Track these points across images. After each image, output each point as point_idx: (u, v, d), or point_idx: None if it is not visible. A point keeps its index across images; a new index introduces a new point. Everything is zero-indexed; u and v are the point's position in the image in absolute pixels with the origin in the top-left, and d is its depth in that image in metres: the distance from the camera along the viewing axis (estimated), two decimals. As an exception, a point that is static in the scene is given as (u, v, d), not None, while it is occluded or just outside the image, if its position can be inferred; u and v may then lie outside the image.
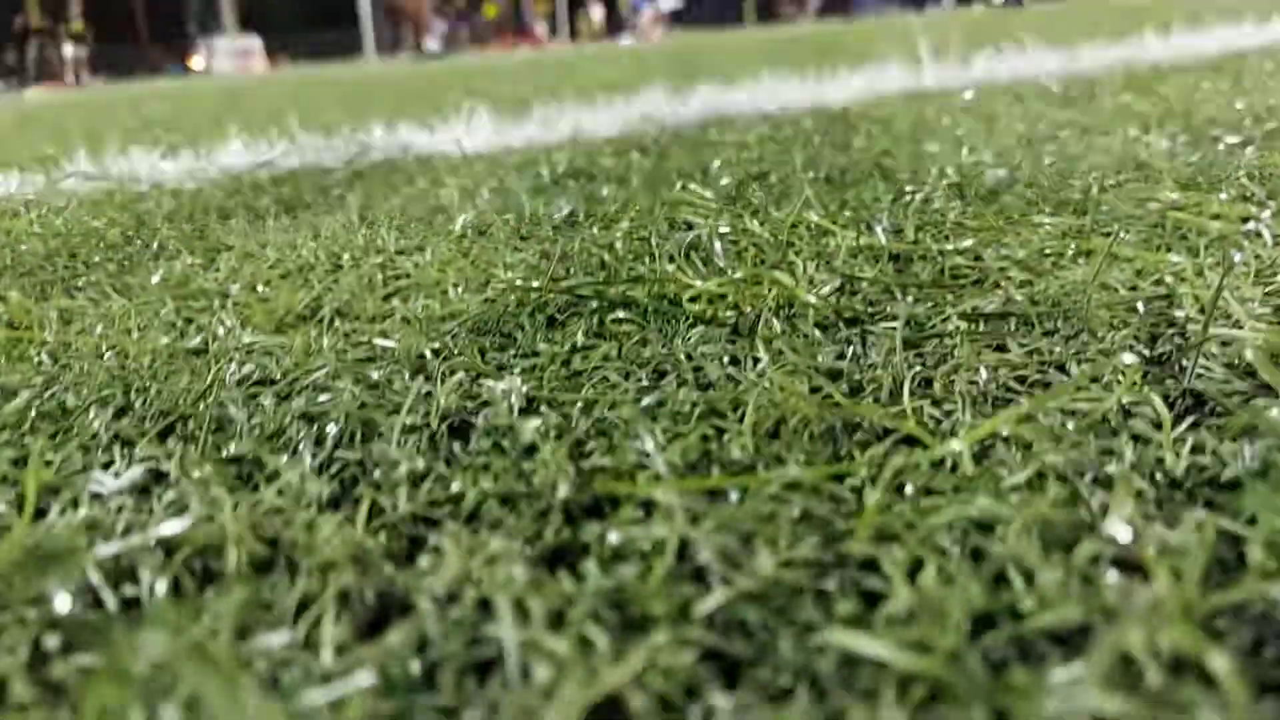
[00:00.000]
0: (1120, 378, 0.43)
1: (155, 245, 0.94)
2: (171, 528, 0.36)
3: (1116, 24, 3.37)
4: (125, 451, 0.46)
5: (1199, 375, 0.44)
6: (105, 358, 0.61)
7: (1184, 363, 0.45)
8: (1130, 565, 0.29)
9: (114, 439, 0.48)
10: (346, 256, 0.82)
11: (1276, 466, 0.35)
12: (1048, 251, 0.66)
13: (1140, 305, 0.53)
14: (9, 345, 0.66)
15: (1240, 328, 0.48)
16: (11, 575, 0.34)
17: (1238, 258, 0.57)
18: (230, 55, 14.27)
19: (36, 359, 0.62)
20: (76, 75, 12.96)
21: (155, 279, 0.81)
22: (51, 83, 11.37)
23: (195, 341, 0.63)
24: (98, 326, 0.68)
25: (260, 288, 0.75)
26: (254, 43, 14.43)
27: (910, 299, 0.59)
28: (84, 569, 0.34)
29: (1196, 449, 0.37)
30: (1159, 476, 0.35)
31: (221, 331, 0.64)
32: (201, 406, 0.50)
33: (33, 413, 0.52)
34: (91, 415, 0.51)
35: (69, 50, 13.56)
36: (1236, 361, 0.44)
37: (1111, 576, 0.29)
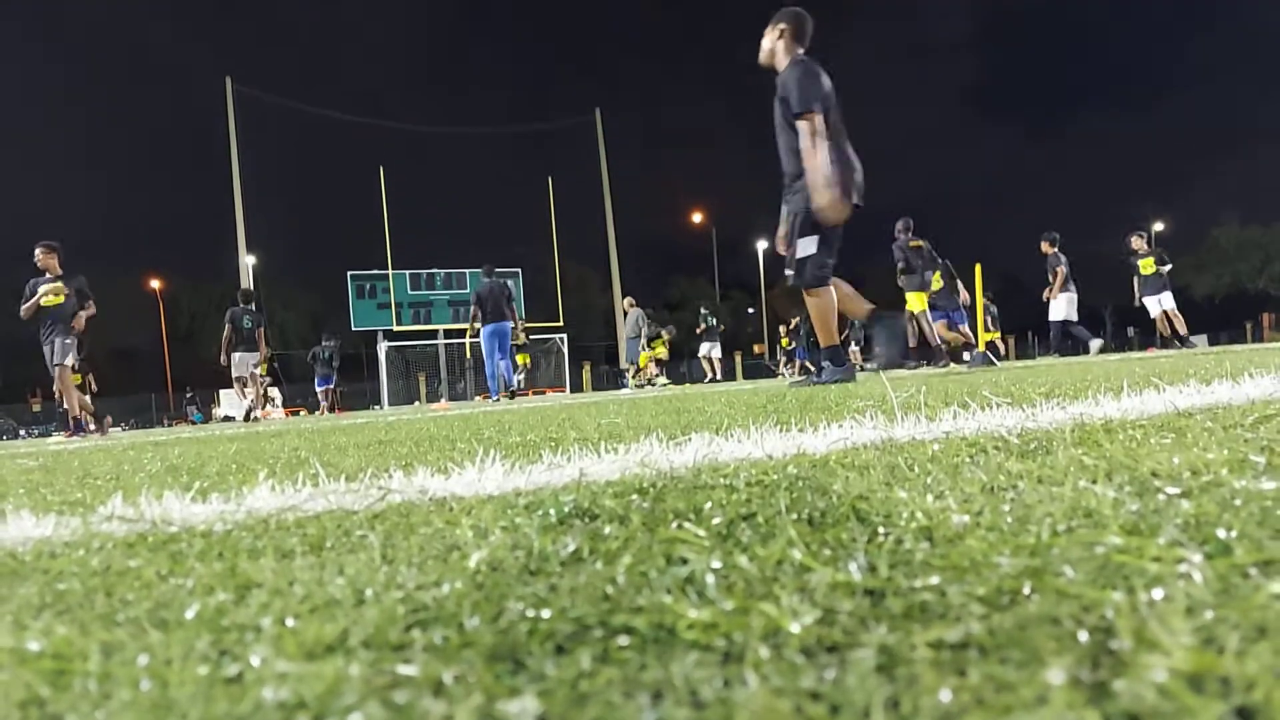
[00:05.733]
0: (1067, 699, 0.49)
1: (189, 583, 1.01)
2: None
3: (1073, 384, 3.69)
4: (174, 769, 0.50)
5: (1134, 698, 0.50)
6: (147, 686, 0.66)
7: (1118, 687, 0.52)
8: None
9: (162, 758, 0.52)
10: (369, 592, 0.89)
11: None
12: (1005, 589, 0.74)
13: (1084, 636, 0.60)
14: (54, 675, 0.71)
15: (1168, 656, 0.55)
16: None
17: (1159, 595, 0.65)
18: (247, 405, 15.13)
19: (81, 688, 0.68)
20: (99, 424, 13.72)
21: (190, 614, 0.87)
22: (72, 433, 11.95)
23: (231, 671, 0.68)
24: (138, 657, 0.74)
25: (290, 621, 0.81)
26: (272, 393, 15.40)
27: (883, 629, 0.66)
28: None
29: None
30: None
31: (256, 662, 0.70)
32: (242, 728, 0.55)
33: (81, 736, 0.57)
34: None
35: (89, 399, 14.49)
36: (1165, 685, 0.51)
37: None
